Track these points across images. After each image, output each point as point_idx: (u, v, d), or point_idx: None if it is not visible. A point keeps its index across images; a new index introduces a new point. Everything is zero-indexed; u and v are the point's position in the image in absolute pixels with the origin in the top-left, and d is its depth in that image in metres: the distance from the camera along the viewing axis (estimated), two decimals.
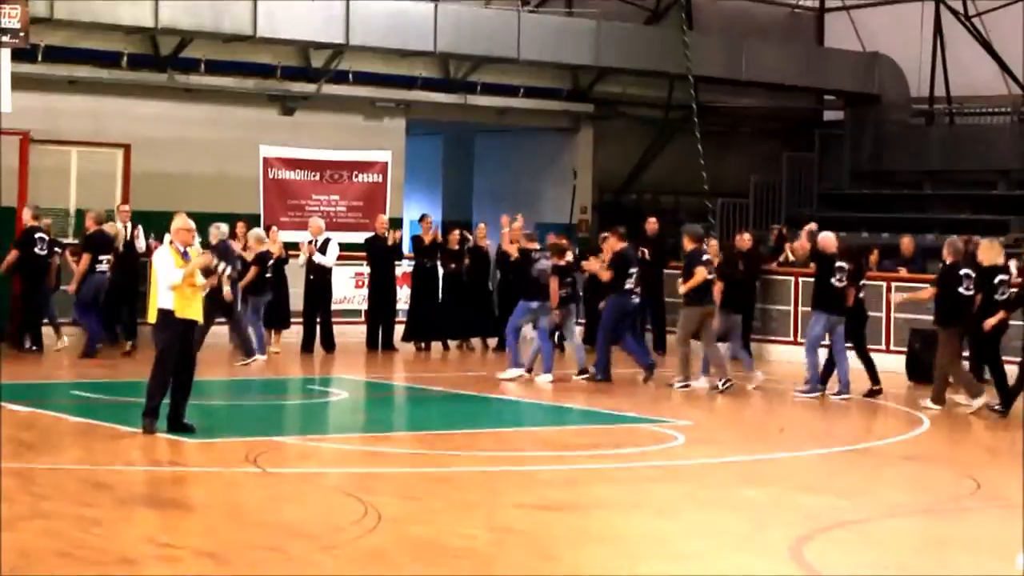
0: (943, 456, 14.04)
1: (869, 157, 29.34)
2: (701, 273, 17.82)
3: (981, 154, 27.79)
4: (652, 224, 22.98)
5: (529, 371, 18.44)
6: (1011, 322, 16.96)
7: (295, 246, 21.40)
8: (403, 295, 22.66)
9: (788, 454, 13.64)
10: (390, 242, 21.81)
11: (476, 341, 22.78)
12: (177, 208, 21.41)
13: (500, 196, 29.01)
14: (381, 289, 21.84)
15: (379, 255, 21.85)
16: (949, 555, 9.56)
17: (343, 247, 21.88)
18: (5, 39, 19.48)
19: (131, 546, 9.02)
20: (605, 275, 18.34)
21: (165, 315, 13.05)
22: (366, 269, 22.41)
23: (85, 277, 19.81)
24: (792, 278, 22.14)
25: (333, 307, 21.74)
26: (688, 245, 18.32)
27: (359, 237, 22.68)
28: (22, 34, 19.70)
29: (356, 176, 24.53)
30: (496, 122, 27.73)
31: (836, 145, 29.67)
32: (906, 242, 22.23)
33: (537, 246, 19.23)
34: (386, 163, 24.69)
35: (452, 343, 22.62)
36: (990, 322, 16.30)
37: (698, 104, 26.62)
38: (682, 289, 18.17)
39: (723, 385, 17.70)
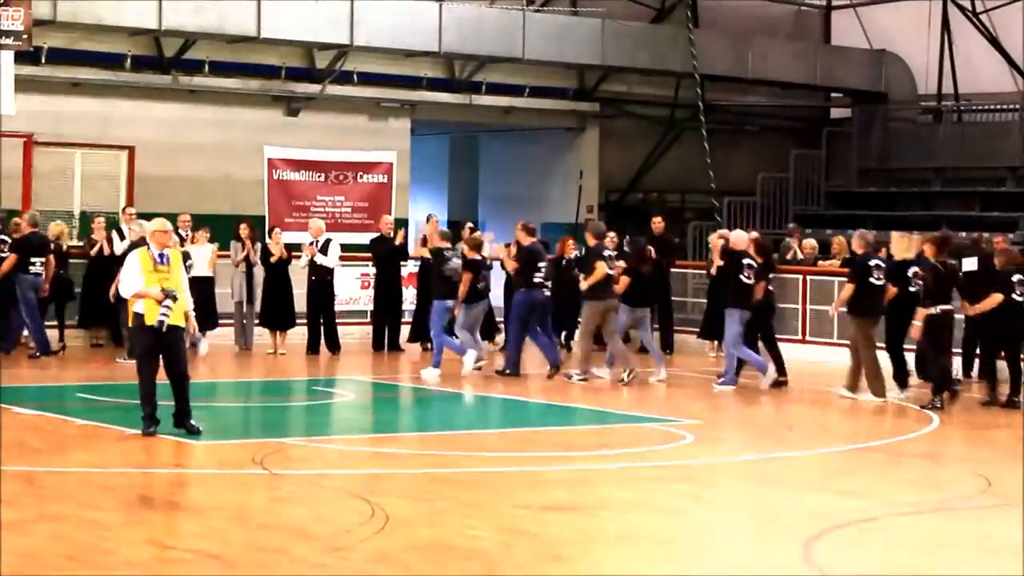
0: (954, 454, 14.01)
1: (877, 155, 29.32)
2: (601, 268, 18.01)
3: (990, 151, 27.76)
4: (658, 223, 22.97)
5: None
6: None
7: (299, 247, 21.40)
8: (409, 295, 22.64)
9: (797, 453, 13.62)
10: (397, 242, 21.78)
11: (484, 343, 22.72)
12: (182, 210, 21.73)
13: (506, 196, 29.03)
14: (386, 290, 21.82)
15: (384, 256, 21.84)
16: (961, 555, 9.53)
17: (348, 248, 21.88)
18: (8, 41, 19.48)
19: (137, 549, 9.01)
20: (510, 265, 18.75)
21: (138, 320, 12.98)
22: (372, 270, 22.41)
23: (13, 278, 19.43)
24: (800, 276, 22.10)
25: (338, 308, 21.72)
26: (590, 241, 18.59)
27: (364, 238, 22.67)
28: (25, 36, 19.69)
29: (361, 177, 24.53)
30: (501, 122, 27.75)
31: (844, 143, 29.65)
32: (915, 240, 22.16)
33: (449, 245, 19.39)
34: (391, 164, 24.69)
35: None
36: (976, 309, 16.61)
37: (704, 103, 26.63)
38: (583, 285, 18.29)
39: (628, 376, 17.89)
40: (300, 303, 21.20)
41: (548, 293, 18.84)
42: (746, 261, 17.80)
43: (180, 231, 21.30)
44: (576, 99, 28.09)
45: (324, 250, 21.04)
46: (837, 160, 29.59)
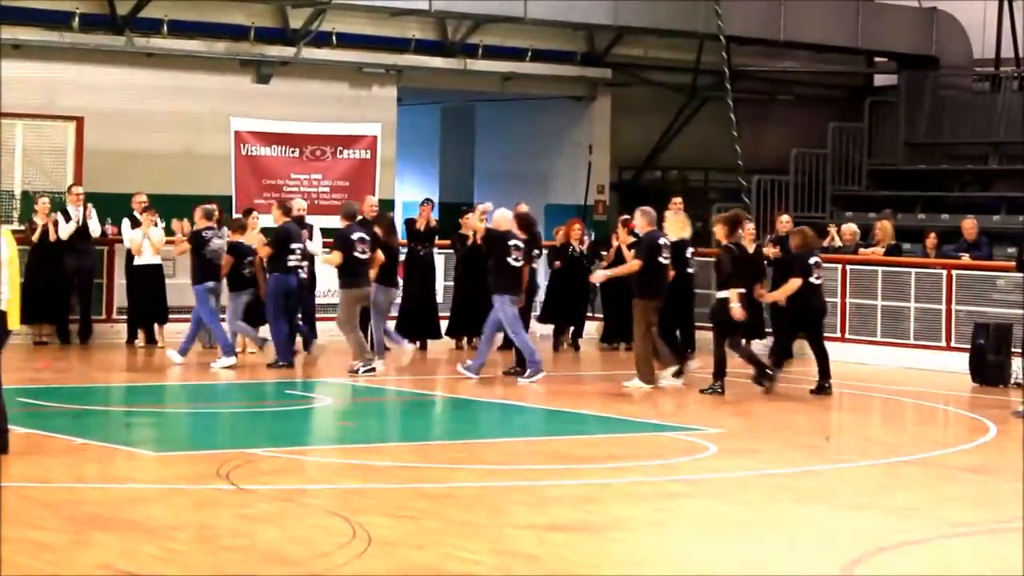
0: (1012, 467, 14.01)
1: (926, 128, 29.33)
2: (337, 256, 18.91)
3: None
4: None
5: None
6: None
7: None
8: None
9: (835, 466, 13.64)
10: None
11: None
12: (137, 189, 21.75)
13: (505, 174, 29.05)
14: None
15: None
16: None
17: (325, 233, 21.88)
18: None
19: (86, 574, 9.02)
20: (264, 251, 19.44)
21: None
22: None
23: None
24: (839, 266, 22.11)
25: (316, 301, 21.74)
26: (342, 223, 19.34)
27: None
28: None
29: (341, 152, 24.54)
30: (500, 90, 27.75)
31: (889, 114, 29.67)
32: (968, 224, 22.22)
33: (213, 225, 19.91)
34: (375, 137, 24.70)
35: (454, 340, 22.66)
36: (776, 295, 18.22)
37: (731, 68, 26.62)
38: (330, 262, 19.31)
39: (362, 369, 18.73)
40: None
41: (304, 276, 19.69)
42: (512, 242, 18.46)
43: (135, 213, 21.35)
44: (585, 64, 28.09)
45: (310, 235, 21.06)
46: (881, 134, 29.62)
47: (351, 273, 18.94)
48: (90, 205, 21.12)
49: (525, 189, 26.59)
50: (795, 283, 17.79)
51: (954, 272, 20.98)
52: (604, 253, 22.73)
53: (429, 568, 9.37)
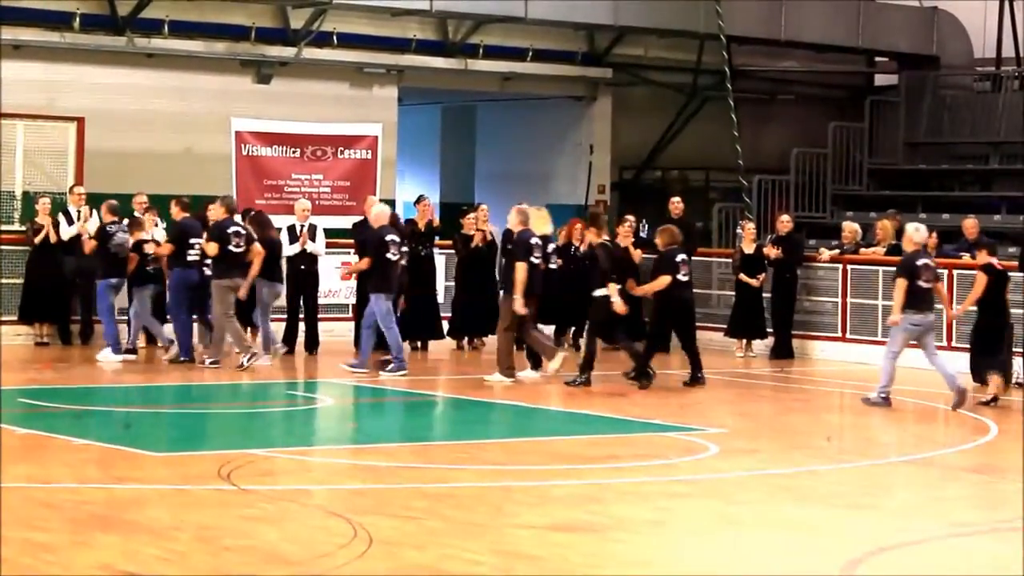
0: (1013, 467, 14.01)
1: (927, 127, 29.31)
2: (213, 247, 19.01)
3: None
4: (676, 205, 23.00)
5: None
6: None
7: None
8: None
9: (835, 466, 13.64)
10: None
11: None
12: (137, 189, 21.74)
13: (505, 174, 29.04)
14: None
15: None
16: None
17: (327, 233, 21.88)
18: None
19: (87, 574, 9.02)
20: (164, 249, 19.58)
21: None
22: (354, 258, 22.38)
23: None
24: (840, 266, 22.10)
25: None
26: (221, 215, 19.34)
27: (345, 222, 22.66)
28: None
29: (341, 152, 24.52)
30: (501, 90, 27.75)
31: (889, 114, 29.64)
32: (969, 224, 22.19)
33: (116, 219, 20.07)
34: (376, 137, 24.67)
35: (454, 341, 22.63)
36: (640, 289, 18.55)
37: (731, 68, 26.61)
38: (207, 251, 19.24)
39: (246, 360, 18.81)
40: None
41: (207, 272, 19.60)
42: (390, 238, 18.97)
43: (136, 213, 21.33)
44: (586, 64, 28.08)
45: (312, 235, 21.08)
46: (882, 133, 29.58)
47: (225, 265, 19.10)
48: (92, 209, 21.07)
49: (526, 189, 26.58)
50: (664, 280, 18.25)
51: (955, 272, 20.95)
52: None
53: (430, 568, 9.37)
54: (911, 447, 14.93)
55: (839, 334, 21.92)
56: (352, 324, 21.88)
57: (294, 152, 24.18)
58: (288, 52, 24.94)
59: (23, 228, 21.42)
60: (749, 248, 22.12)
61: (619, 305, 18.05)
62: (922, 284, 16.94)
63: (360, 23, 25.56)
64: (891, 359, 16.87)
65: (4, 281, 20.98)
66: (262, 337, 20.02)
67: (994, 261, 18.11)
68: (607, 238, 18.64)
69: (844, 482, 12.88)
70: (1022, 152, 28.20)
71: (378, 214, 19.44)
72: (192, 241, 19.45)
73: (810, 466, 13.48)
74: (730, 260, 22.74)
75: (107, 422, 15.71)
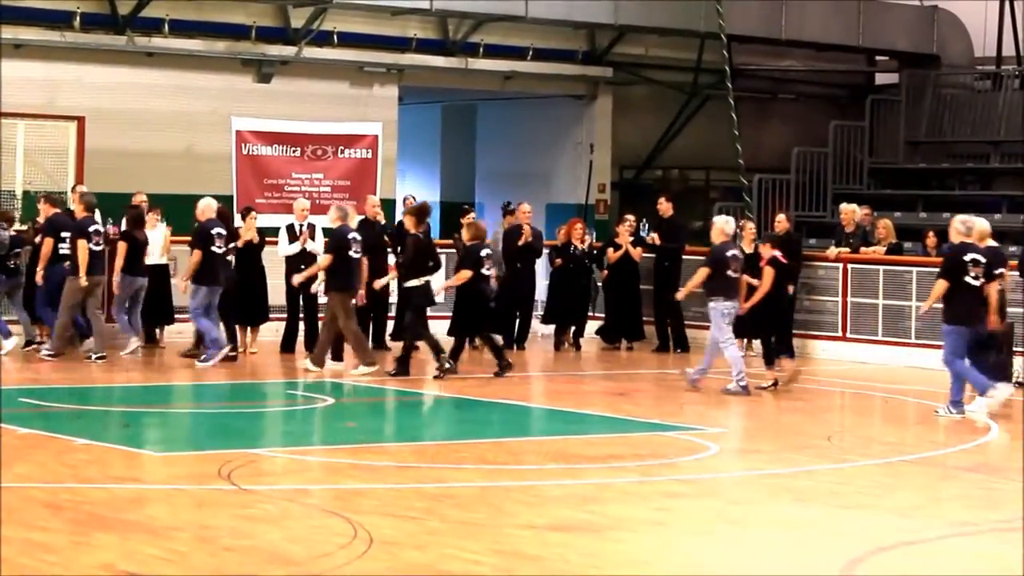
0: (1014, 467, 14.01)
1: (927, 126, 29.30)
2: (83, 247, 19.39)
3: None
4: (664, 205, 23.01)
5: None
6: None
7: (275, 232, 21.37)
8: (395, 287, 22.61)
9: (835, 466, 13.64)
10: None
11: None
12: (138, 189, 21.74)
13: (506, 173, 29.03)
14: (370, 280, 21.79)
15: (369, 242, 21.79)
16: None
17: (327, 233, 21.85)
18: None
19: (87, 574, 9.02)
20: (46, 246, 19.76)
21: None
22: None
23: None
24: (840, 265, 22.10)
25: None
26: (82, 213, 19.80)
27: None
28: None
29: (342, 152, 24.55)
30: (501, 89, 27.74)
31: (890, 113, 29.63)
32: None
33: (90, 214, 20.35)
34: (376, 136, 24.71)
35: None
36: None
37: (732, 67, 26.59)
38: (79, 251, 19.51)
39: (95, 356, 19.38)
40: (274, 294, 21.21)
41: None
42: (215, 231, 19.45)
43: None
44: (586, 63, 28.08)
45: (312, 235, 21.07)
46: (882, 132, 29.57)
47: (88, 263, 19.49)
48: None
49: (526, 188, 26.59)
50: (466, 274, 18.80)
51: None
52: (610, 250, 22.80)
53: (430, 568, 9.37)
54: (911, 447, 14.93)
55: (840, 333, 21.91)
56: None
57: (294, 151, 24.20)
58: (288, 51, 24.94)
59: (24, 227, 21.40)
60: (749, 248, 22.10)
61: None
62: (731, 274, 17.75)
63: (360, 22, 25.56)
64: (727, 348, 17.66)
65: None
66: (121, 326, 20.26)
67: (778, 254, 18.33)
68: (421, 231, 19.10)
69: (843, 482, 12.88)
70: (1022, 151, 28.18)
71: (204, 207, 19.77)
72: (63, 235, 19.80)
73: (809, 466, 13.48)
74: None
75: (107, 422, 15.72)
